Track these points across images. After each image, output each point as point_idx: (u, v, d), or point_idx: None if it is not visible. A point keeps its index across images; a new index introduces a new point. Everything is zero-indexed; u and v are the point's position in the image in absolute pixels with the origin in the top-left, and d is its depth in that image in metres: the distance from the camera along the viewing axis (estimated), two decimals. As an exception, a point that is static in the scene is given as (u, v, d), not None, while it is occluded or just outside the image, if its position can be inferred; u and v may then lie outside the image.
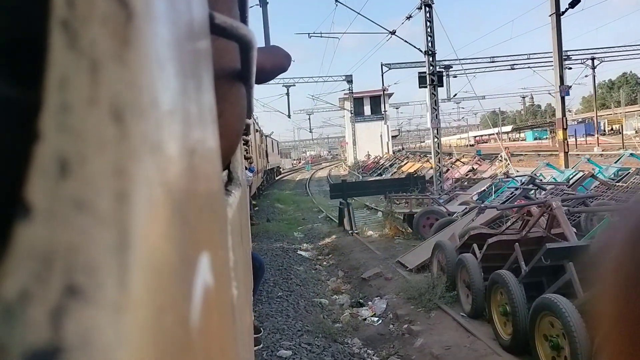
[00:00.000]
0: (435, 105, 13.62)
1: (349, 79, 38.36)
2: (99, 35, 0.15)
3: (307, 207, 16.09)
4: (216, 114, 0.34)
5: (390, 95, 41.00)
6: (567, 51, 31.70)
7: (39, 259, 0.13)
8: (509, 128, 63.69)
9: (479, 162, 17.40)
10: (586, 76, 37.15)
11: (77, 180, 0.14)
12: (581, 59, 35.18)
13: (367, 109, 41.17)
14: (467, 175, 15.43)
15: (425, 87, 13.66)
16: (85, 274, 0.13)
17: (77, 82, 0.14)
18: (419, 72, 14.30)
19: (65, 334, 0.12)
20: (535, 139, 59.75)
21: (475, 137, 68.87)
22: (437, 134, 13.82)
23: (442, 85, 14.57)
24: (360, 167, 31.72)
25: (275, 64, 0.68)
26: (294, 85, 36.24)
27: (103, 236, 0.14)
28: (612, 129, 48.42)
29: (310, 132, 60.64)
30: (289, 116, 38.30)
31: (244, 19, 0.59)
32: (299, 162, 61.88)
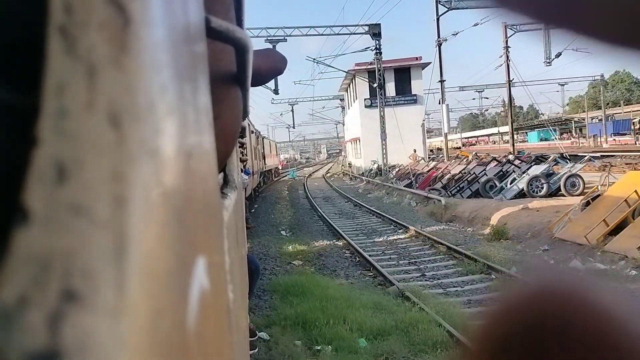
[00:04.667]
0: None
1: (376, 31, 21.80)
2: (96, 41, 0.15)
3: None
4: (212, 117, 0.34)
5: (424, 66, 25.76)
6: None
7: (37, 264, 0.13)
8: (505, 128, 61.53)
9: None
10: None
11: (75, 185, 0.14)
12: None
13: (389, 88, 24.51)
14: None
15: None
16: (82, 278, 0.13)
17: (75, 88, 0.14)
18: None
19: (62, 339, 0.12)
20: (541, 139, 53.79)
21: (462, 139, 67.04)
22: None
23: None
24: (406, 175, 17.94)
25: (271, 67, 0.68)
26: (285, 41, 20.86)
27: (101, 241, 0.14)
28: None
29: (293, 127, 49.65)
30: (275, 92, 25.48)
31: (240, 22, 0.60)
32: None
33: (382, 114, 22.06)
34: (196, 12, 0.31)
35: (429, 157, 22.26)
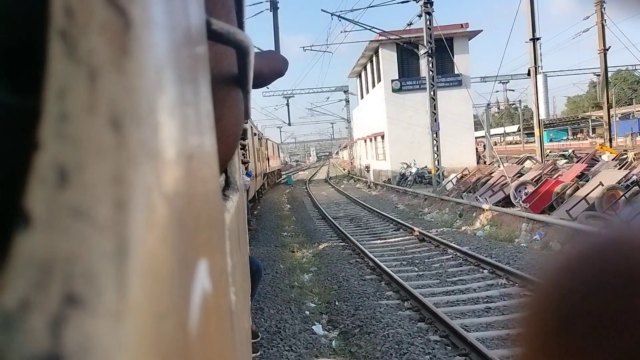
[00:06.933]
0: None
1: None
2: (97, 44, 0.15)
3: None
4: (214, 119, 0.34)
5: (472, 35, 19.09)
6: None
7: (39, 267, 0.13)
8: (514, 128, 58.60)
9: None
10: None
11: (76, 188, 0.14)
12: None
13: (423, 65, 16.07)
14: None
15: None
16: (84, 282, 0.13)
17: (76, 91, 0.14)
18: None
19: (64, 343, 0.12)
20: (551, 140, 48.25)
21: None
22: None
23: None
24: (482, 185, 11.14)
25: (272, 68, 0.69)
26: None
27: (102, 244, 0.14)
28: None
29: (289, 124, 40.10)
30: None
31: (240, 24, 0.60)
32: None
33: (432, 95, 14.55)
34: (197, 15, 0.31)
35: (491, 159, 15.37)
